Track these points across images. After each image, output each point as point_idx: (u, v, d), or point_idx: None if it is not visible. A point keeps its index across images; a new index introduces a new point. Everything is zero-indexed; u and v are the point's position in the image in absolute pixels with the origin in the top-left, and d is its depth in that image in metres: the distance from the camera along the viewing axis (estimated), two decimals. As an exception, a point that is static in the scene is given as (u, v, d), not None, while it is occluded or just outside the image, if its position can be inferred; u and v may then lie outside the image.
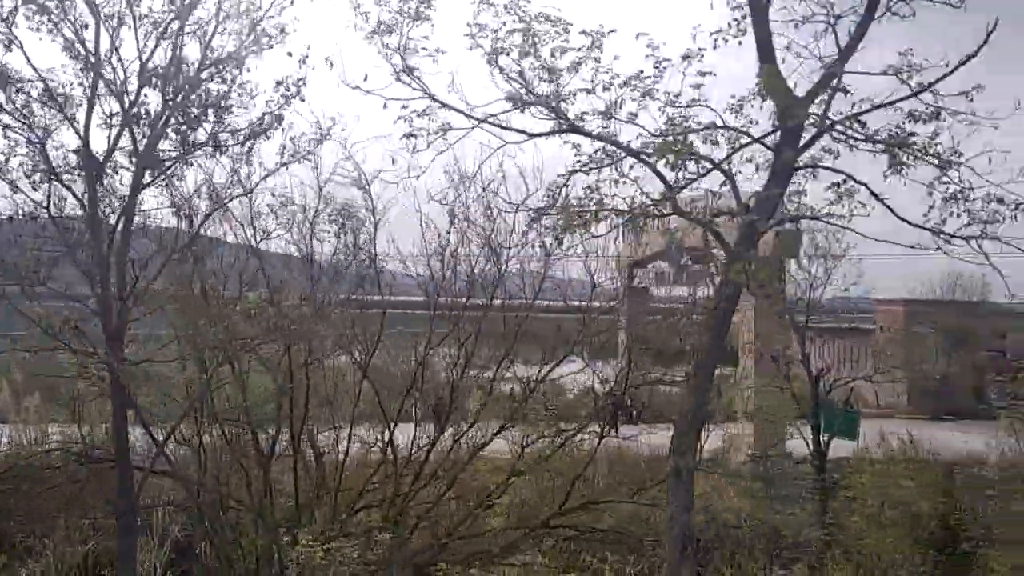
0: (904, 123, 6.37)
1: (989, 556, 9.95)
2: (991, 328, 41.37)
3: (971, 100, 5.91)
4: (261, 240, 9.00)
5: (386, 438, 9.81)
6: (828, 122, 6.13)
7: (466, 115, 6.22)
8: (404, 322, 10.79)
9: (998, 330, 41.86)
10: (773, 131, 6.57)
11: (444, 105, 6.36)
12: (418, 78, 6.24)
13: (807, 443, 20.83)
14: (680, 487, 5.42)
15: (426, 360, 9.91)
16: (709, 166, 6.57)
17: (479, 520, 9.96)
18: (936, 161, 6.06)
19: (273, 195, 8.72)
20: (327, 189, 9.29)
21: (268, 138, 8.13)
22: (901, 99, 6.04)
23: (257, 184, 8.47)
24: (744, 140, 6.30)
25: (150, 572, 10.02)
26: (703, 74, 6.36)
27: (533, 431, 10.56)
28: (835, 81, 6.27)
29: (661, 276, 34.20)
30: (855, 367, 37.82)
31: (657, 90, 6.25)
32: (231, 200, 8.46)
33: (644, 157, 6.19)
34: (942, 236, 6.38)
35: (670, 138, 6.13)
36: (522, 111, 6.23)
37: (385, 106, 6.31)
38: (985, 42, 6.08)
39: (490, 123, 6.18)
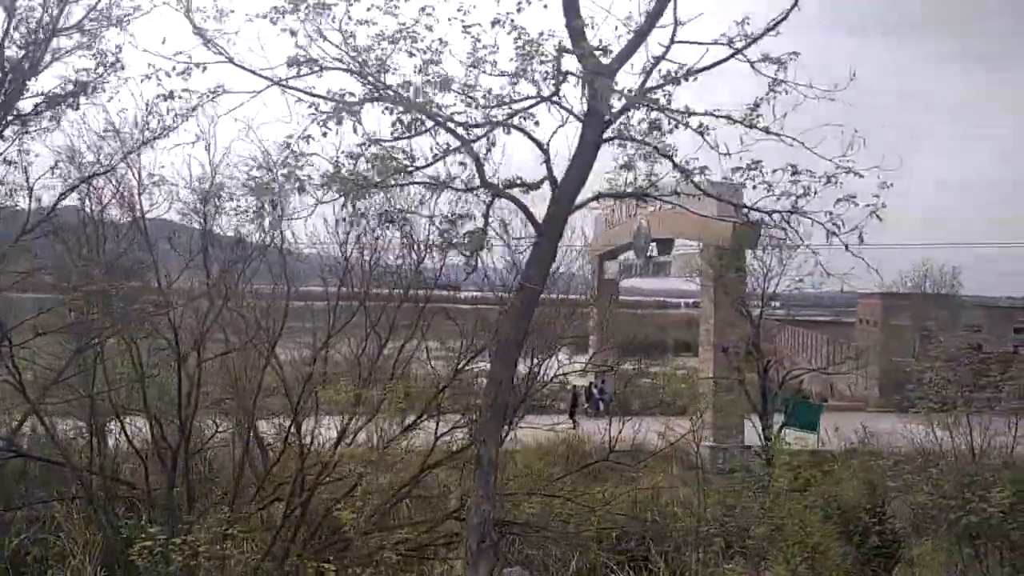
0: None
1: (906, 546, 9.82)
2: (966, 321, 41.50)
3: (782, 64, 5.67)
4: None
5: (292, 430, 9.56)
6: (637, 92, 5.86)
7: (258, 75, 5.75)
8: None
9: (972, 323, 42.01)
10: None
11: (242, 67, 5.93)
12: (213, 41, 5.85)
13: (758, 435, 20.81)
14: (482, 476, 5.19)
15: (326, 351, 9.68)
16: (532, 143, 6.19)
17: (387, 516, 9.75)
18: (744, 124, 5.81)
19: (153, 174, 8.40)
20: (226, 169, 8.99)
21: (75, 108, 7.72)
22: (709, 66, 5.74)
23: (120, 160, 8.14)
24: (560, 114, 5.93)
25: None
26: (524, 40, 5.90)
27: (445, 423, 10.36)
28: (653, 52, 5.88)
29: (629, 267, 34.17)
30: (829, 360, 37.91)
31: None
32: (92, 177, 8.16)
33: (451, 126, 5.84)
34: (744, 209, 6.14)
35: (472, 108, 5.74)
36: (319, 75, 5.88)
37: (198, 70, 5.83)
38: (792, 8, 5.81)
39: (286, 86, 5.78)
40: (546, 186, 7.05)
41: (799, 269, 21.25)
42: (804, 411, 24.03)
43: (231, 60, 5.79)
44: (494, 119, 5.75)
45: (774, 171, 5.93)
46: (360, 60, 5.51)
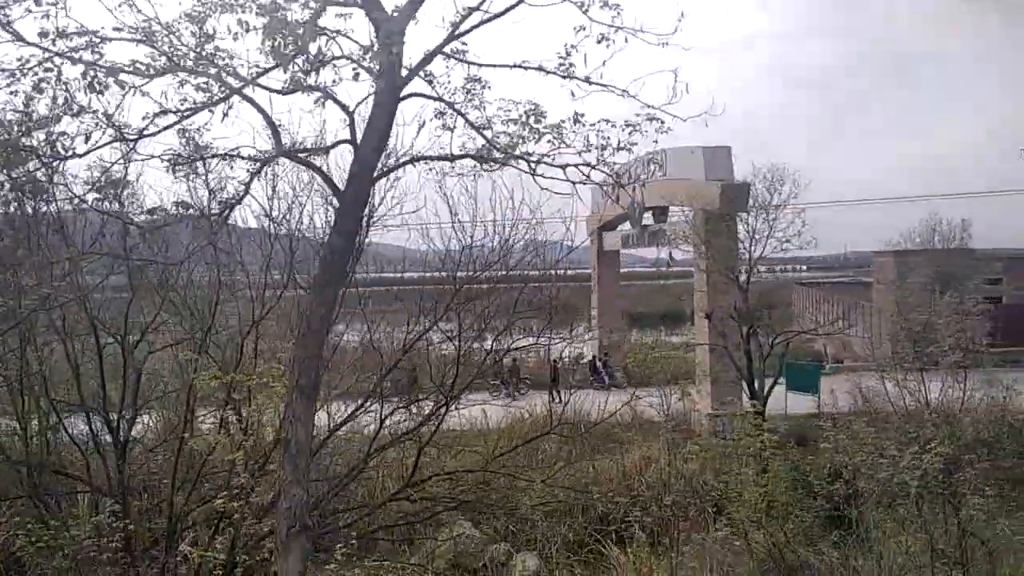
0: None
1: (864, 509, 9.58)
2: (984, 273, 40.41)
3: (616, 8, 5.31)
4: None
5: (231, 419, 9.54)
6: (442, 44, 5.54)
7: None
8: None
9: (991, 275, 40.91)
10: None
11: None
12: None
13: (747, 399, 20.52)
14: (291, 460, 4.99)
15: (256, 335, 9.60)
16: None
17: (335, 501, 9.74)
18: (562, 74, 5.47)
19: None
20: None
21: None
22: (514, 5, 5.35)
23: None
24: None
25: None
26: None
27: (389, 406, 10.30)
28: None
29: (627, 238, 33.76)
30: (844, 321, 37.27)
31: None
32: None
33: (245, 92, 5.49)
34: (522, 159, 5.73)
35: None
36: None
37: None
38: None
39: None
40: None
41: (785, 231, 20.84)
42: (798, 374, 23.66)
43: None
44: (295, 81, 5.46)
45: (595, 123, 5.62)
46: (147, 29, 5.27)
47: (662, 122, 5.55)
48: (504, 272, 11.00)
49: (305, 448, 5.32)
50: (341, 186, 6.01)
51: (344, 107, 5.79)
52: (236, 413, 9.51)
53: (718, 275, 21.96)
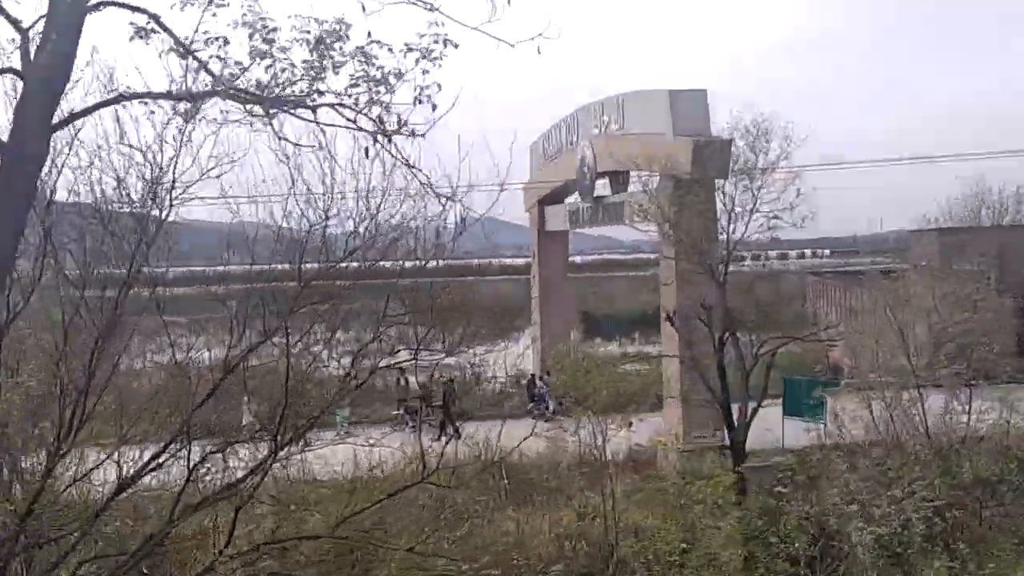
0: None
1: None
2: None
3: None
4: None
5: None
6: None
7: None
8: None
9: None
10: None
11: None
12: None
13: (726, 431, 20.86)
14: None
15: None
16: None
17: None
18: None
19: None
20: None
21: None
22: None
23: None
24: None
25: None
26: None
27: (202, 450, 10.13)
28: None
29: (576, 214, 33.90)
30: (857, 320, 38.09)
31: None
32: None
33: None
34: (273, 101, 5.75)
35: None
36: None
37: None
38: None
39: None
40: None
41: (773, 203, 21.18)
42: (798, 393, 24.07)
43: None
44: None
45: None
46: None
47: (456, 46, 5.46)
48: (365, 264, 10.83)
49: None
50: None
51: (15, 22, 5.51)
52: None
53: (688, 263, 22.19)
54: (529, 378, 32.65)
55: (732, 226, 21.45)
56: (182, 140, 9.13)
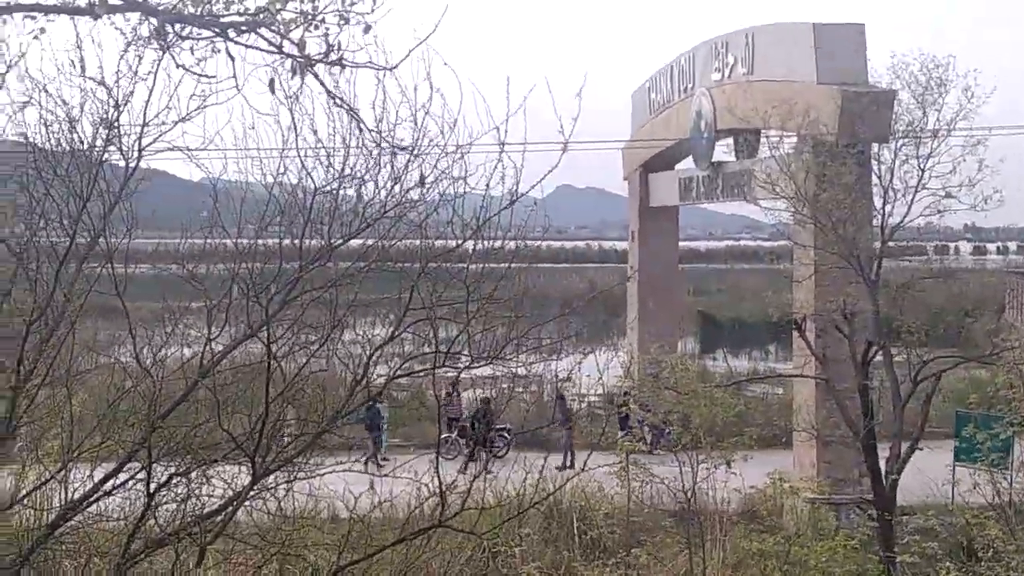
0: None
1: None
2: None
3: None
4: None
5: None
6: None
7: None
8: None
9: None
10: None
11: None
12: None
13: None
14: None
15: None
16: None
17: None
18: None
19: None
20: None
21: None
22: None
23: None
24: None
25: None
26: None
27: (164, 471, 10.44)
28: None
29: (687, 184, 33.63)
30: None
31: None
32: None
33: None
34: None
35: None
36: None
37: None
38: None
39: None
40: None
41: (946, 177, 20.76)
42: (973, 432, 23.52)
43: None
44: None
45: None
46: None
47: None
48: (379, 241, 10.97)
49: None
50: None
51: None
52: None
53: (829, 254, 21.91)
54: (622, 401, 32.62)
55: (890, 207, 21.06)
56: (156, 72, 9.42)
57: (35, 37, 7.41)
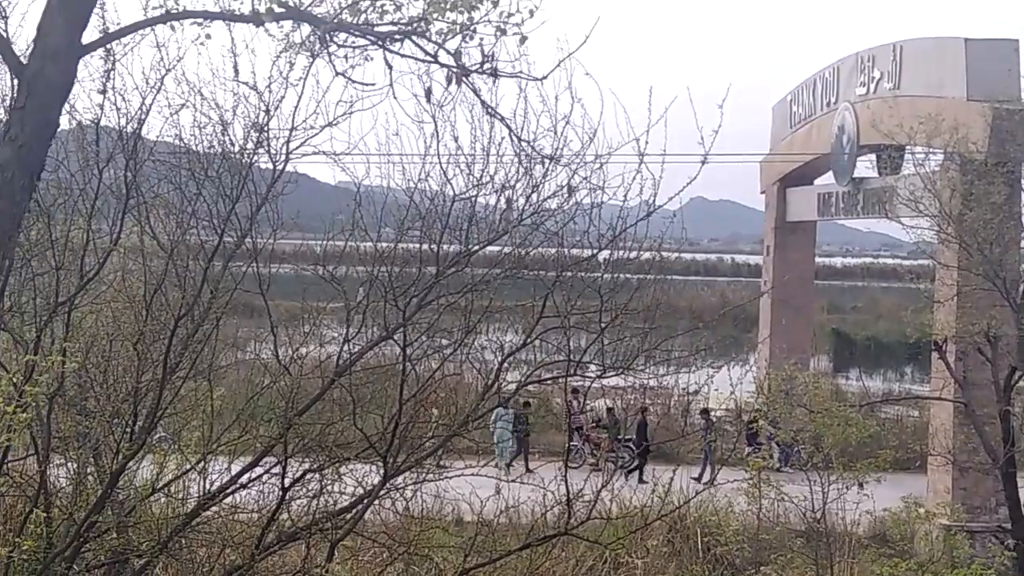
0: None
1: None
2: None
3: None
4: None
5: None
6: None
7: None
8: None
9: None
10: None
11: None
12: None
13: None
14: None
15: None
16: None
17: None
18: None
19: None
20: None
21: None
22: None
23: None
24: None
25: None
26: None
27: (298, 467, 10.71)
28: None
29: (826, 200, 33.15)
30: None
31: None
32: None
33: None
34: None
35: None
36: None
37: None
38: None
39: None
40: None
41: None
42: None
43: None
44: None
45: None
46: None
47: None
48: (516, 249, 11.10)
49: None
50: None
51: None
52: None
53: (973, 274, 21.40)
54: (749, 420, 32.35)
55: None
56: (305, 78, 9.69)
57: (201, 43, 7.66)
